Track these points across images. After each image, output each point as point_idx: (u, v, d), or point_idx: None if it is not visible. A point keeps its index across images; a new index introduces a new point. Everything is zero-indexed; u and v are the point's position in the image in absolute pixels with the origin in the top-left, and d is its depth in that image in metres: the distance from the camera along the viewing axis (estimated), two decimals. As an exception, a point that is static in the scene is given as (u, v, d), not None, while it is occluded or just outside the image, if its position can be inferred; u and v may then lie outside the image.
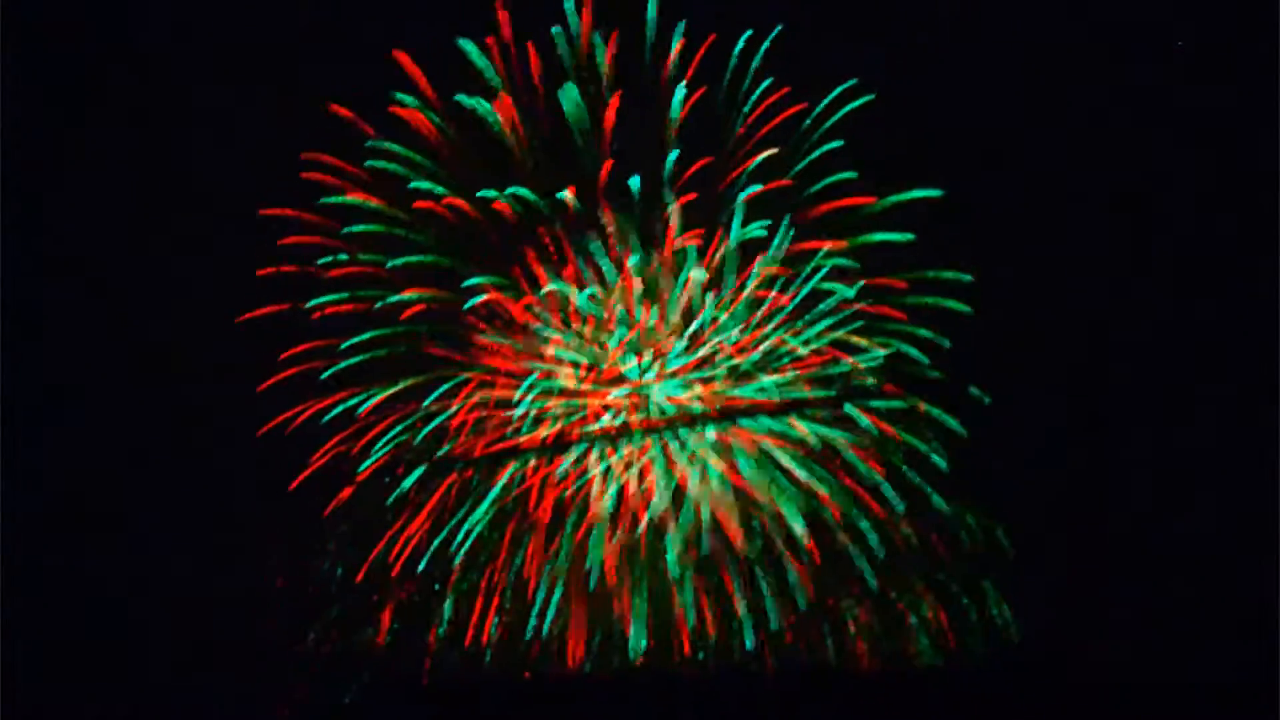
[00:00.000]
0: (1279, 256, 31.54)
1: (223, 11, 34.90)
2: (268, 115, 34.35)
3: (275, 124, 34.19)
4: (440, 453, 33.37)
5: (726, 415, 33.34)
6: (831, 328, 33.43)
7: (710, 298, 33.67)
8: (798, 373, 33.43)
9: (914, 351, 33.15)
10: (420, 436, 33.31)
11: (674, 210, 33.17)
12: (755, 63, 33.49)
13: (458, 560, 32.90)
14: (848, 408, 33.00)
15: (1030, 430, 33.08)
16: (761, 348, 33.59)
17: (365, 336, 33.59)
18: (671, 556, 32.67)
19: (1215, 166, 33.06)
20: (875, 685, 32.41)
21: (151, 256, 34.51)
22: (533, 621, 32.57)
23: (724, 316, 33.49)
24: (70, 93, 34.69)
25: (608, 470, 33.36)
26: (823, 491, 32.78)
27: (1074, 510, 32.92)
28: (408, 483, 33.11)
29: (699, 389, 33.62)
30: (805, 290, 33.41)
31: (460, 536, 32.97)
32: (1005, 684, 31.47)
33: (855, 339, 33.42)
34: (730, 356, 33.58)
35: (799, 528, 32.54)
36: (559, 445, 33.46)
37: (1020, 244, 33.43)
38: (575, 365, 33.90)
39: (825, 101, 33.48)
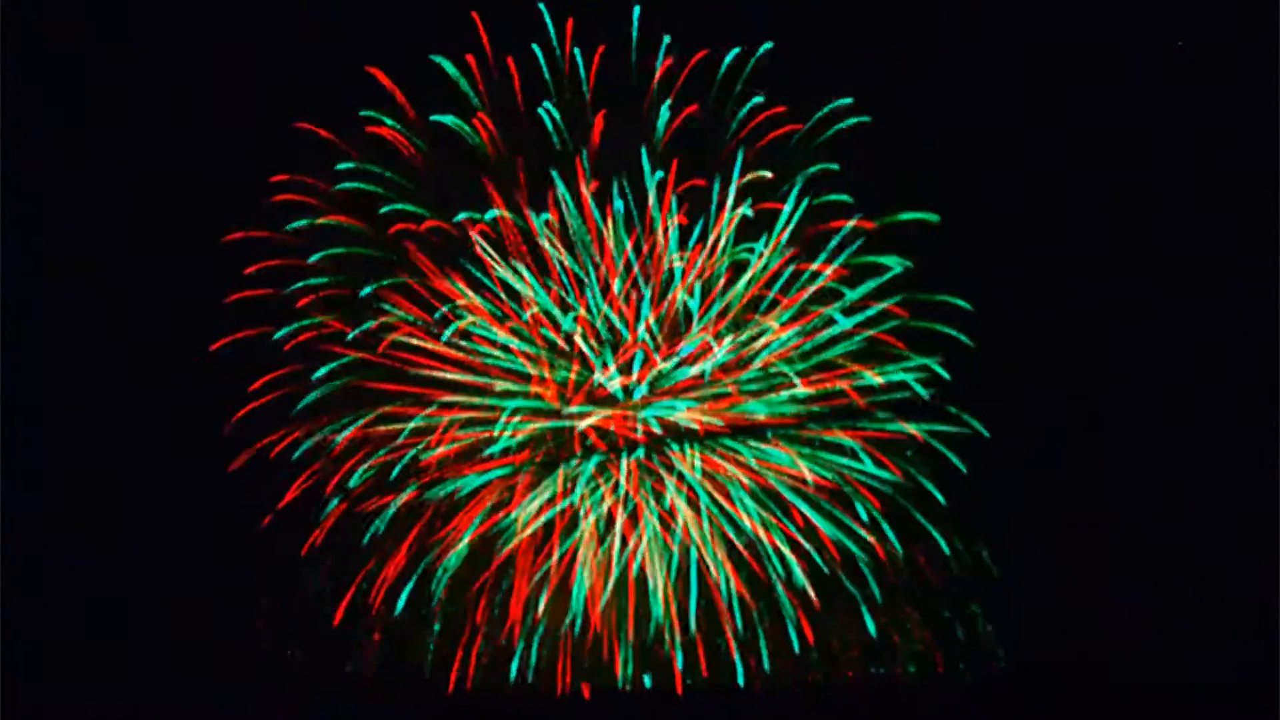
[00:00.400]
0: (1279, 256, 31.53)
1: (202, 29, 34.86)
2: (246, 133, 34.25)
3: (255, 142, 34.03)
4: (426, 473, 32.95)
5: (713, 434, 32.94)
6: (819, 348, 33.06)
7: (696, 319, 33.34)
8: (791, 392, 33.05)
9: (910, 379, 32.74)
10: (404, 462, 32.97)
11: (659, 232, 32.78)
12: (740, 82, 33.07)
13: (442, 587, 32.50)
14: (848, 441, 32.71)
15: (1029, 435, 32.96)
16: (752, 368, 33.19)
17: (344, 360, 33.20)
18: (656, 601, 32.37)
19: (1215, 166, 33.02)
20: (862, 702, 32.29)
21: (149, 258, 34.44)
22: (519, 654, 32.36)
23: (710, 336, 33.09)
24: (70, 93, 34.63)
25: (594, 490, 32.95)
26: (816, 523, 32.38)
27: (1073, 512, 32.80)
28: (393, 508, 32.83)
29: (684, 412, 33.21)
30: (793, 310, 33.07)
31: (449, 560, 32.52)
32: (996, 693, 31.50)
33: (846, 362, 33.04)
34: (719, 379, 33.23)
35: (794, 563, 32.22)
36: (545, 465, 33.08)
37: (1020, 247, 33.31)
38: (561, 385, 33.44)
39: (816, 116, 33.11)
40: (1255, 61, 32.07)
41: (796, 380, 32.74)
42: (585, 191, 32.78)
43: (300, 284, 33.18)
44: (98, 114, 34.96)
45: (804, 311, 33.06)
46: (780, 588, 32.09)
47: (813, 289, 32.92)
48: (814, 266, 32.86)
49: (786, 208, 32.98)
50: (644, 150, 32.69)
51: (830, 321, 32.85)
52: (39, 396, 33.36)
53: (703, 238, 33.03)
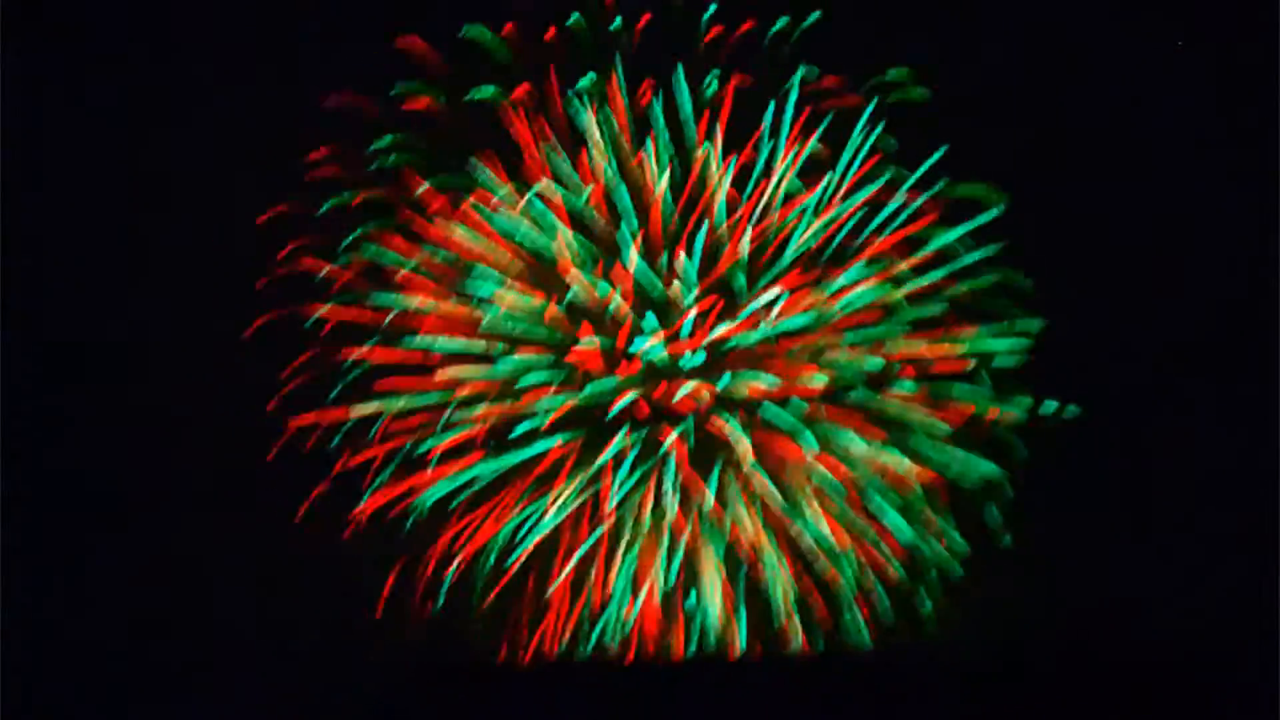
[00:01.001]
0: (1279, 256, 31.77)
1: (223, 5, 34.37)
2: (274, 111, 33.18)
3: (281, 121, 33.08)
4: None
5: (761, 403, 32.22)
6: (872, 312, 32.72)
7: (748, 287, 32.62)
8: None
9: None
10: (448, 436, 31.92)
11: (705, 202, 32.13)
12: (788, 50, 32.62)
13: (489, 566, 31.71)
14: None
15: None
16: (798, 343, 32.59)
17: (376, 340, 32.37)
18: (708, 583, 31.81)
19: (1215, 165, 33.16)
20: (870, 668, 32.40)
21: (154, 254, 34.12)
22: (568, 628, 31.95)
23: (760, 304, 32.28)
24: (70, 92, 34.20)
25: (642, 467, 32.15)
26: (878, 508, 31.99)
27: (1071, 512, 32.92)
28: (434, 490, 32.40)
29: (737, 383, 32.43)
30: (838, 281, 32.67)
31: (496, 536, 31.76)
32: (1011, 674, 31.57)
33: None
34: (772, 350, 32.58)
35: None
36: (594, 437, 32.09)
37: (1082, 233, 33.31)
38: (606, 355, 32.33)
39: (868, 83, 32.73)
40: (1255, 61, 32.24)
41: (844, 350, 32.48)
42: (629, 150, 32.34)
43: (338, 262, 32.49)
44: (128, 98, 34.32)
45: (857, 280, 32.74)
46: (847, 573, 31.79)
47: (857, 258, 32.74)
48: (861, 239, 32.73)
49: (836, 171, 32.69)
50: (688, 104, 32.28)
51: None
52: (39, 396, 33.09)
53: (751, 207, 32.61)
